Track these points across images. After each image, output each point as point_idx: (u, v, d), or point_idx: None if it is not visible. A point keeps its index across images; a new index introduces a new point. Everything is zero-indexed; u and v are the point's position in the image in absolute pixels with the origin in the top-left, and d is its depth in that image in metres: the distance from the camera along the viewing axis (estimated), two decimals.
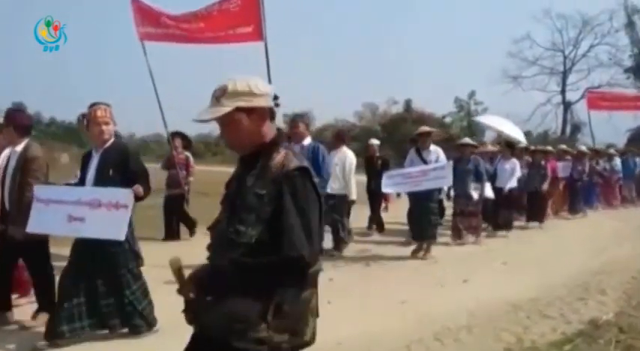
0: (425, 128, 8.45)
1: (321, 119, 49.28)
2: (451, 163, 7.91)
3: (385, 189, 8.37)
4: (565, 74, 43.08)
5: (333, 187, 7.52)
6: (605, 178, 14.31)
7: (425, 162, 7.81)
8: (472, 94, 44.30)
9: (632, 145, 26.10)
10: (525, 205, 10.95)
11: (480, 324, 4.75)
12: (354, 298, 5.55)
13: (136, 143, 56.80)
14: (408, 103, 43.79)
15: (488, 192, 9.12)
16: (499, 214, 9.91)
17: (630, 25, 40.36)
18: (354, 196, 7.93)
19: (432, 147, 7.97)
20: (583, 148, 14.06)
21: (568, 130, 43.10)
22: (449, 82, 69.41)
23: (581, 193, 13.21)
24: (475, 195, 8.67)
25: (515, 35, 43.21)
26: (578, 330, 4.62)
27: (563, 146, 14.75)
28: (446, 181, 7.90)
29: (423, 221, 7.71)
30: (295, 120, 6.82)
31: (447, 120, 44.09)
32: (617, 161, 14.81)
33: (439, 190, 8.67)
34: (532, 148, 12.21)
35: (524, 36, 42.69)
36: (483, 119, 12.83)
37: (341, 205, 7.83)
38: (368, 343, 4.21)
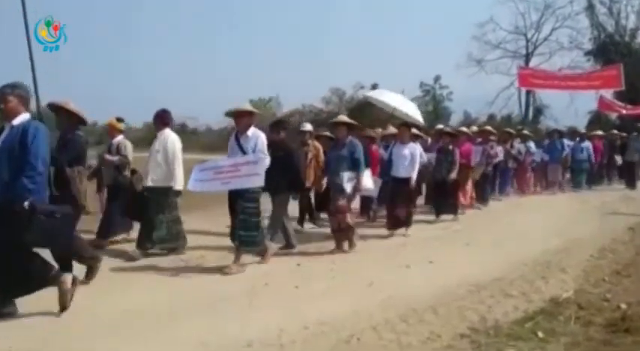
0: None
1: (288, 105, 49.22)
2: (263, 156, 6.03)
3: (192, 187, 6.22)
4: (527, 58, 43.56)
5: (153, 177, 6.58)
6: (519, 161, 13.39)
7: (243, 151, 6.15)
8: (437, 79, 44.62)
9: (592, 127, 26.70)
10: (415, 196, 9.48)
11: (444, 304, 4.82)
12: (321, 282, 5.56)
13: (99, 132, 55.69)
14: (374, 88, 43.74)
15: (368, 183, 7.53)
16: (395, 210, 8.24)
17: (590, 8, 41.06)
18: (178, 186, 6.59)
19: (252, 131, 6.15)
20: (488, 128, 13.00)
21: (531, 113, 43.94)
22: (415, 67, 69.74)
23: (493, 179, 12.34)
24: (348, 187, 6.99)
25: (479, 19, 43.37)
26: (540, 308, 4.73)
27: (474, 128, 13.85)
28: (257, 180, 5.95)
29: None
30: (4, 93, 4.41)
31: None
32: (532, 144, 14.06)
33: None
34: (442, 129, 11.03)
35: (488, 19, 43.16)
36: (374, 94, 10.36)
37: (165, 198, 6.61)
38: (335, 325, 4.23)
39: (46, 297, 4.38)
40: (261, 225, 6.24)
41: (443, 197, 9.66)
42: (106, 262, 5.81)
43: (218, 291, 5.20)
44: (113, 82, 68.86)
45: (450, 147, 9.69)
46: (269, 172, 6.53)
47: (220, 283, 5.49)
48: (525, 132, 14.39)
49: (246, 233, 5.98)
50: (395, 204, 8.19)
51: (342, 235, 7.05)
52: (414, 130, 9.77)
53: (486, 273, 5.83)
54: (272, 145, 6.75)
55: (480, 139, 11.93)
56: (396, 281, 5.59)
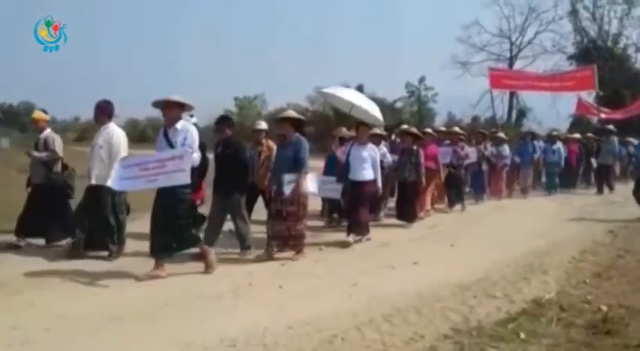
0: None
1: (273, 103, 49.17)
2: (190, 150, 5.50)
3: (115, 186, 5.66)
4: (511, 60, 44.11)
5: (97, 175, 6.19)
6: (492, 164, 12.88)
7: (171, 146, 5.65)
8: (422, 80, 44.89)
9: (573, 130, 26.95)
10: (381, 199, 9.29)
11: (428, 304, 4.85)
12: (305, 282, 5.56)
13: (80, 127, 55.17)
14: (360, 88, 43.87)
15: (311, 186, 6.96)
16: (354, 215, 7.65)
17: (574, 13, 41.70)
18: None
19: (181, 124, 5.72)
20: (456, 129, 12.53)
21: (514, 115, 44.39)
22: (401, 67, 70.16)
23: (463, 182, 11.80)
24: (287, 190, 6.42)
25: (464, 21, 43.77)
26: (522, 309, 4.77)
27: (442, 128, 13.61)
28: (182, 177, 5.40)
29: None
30: None
31: (398, 105, 44.57)
32: (505, 146, 13.42)
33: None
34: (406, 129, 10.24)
35: (473, 22, 43.58)
36: (329, 91, 9.42)
37: (109, 198, 6.26)
38: (318, 325, 4.23)
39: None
40: (189, 229, 5.80)
41: (404, 200, 9.21)
42: (76, 266, 5.79)
43: (201, 290, 5.17)
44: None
45: (414, 148, 9.21)
46: (217, 172, 6.55)
47: (204, 283, 5.45)
48: (500, 134, 13.85)
49: (166, 239, 5.53)
50: (354, 209, 7.62)
51: (291, 242, 6.53)
52: (378, 130, 9.44)
53: (470, 274, 5.87)
54: (220, 143, 6.72)
55: (448, 141, 11.65)
56: (380, 281, 5.60)
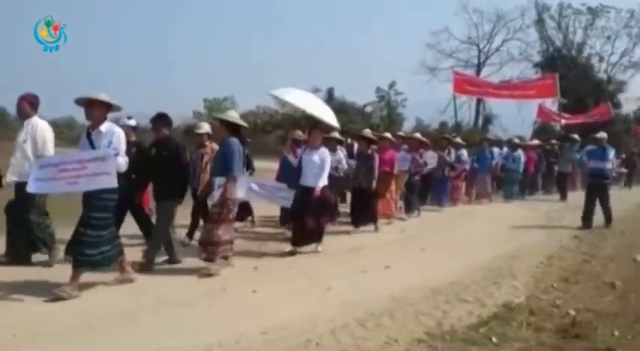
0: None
1: (243, 106, 48.90)
2: (112, 152, 4.98)
3: (32, 188, 5.12)
4: (479, 67, 44.96)
5: (20, 172, 5.68)
6: (455, 170, 12.78)
7: (94, 148, 5.14)
8: (392, 85, 45.29)
9: (537, 137, 27.49)
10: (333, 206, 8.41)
11: (401, 309, 4.89)
12: (280, 287, 5.53)
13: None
14: (330, 92, 44.12)
15: (239, 192, 6.26)
16: (302, 223, 7.16)
17: (540, 22, 42.78)
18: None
19: (106, 126, 5.15)
20: (417, 135, 12.23)
21: (480, 121, 45.16)
22: (371, 72, 70.69)
23: (424, 189, 11.76)
24: (215, 195, 6.06)
25: (434, 28, 44.47)
26: (493, 313, 4.85)
27: (401, 133, 13.16)
28: (107, 180, 4.87)
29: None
30: None
31: (368, 109, 44.85)
32: (464, 151, 13.30)
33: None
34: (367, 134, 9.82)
35: (442, 29, 44.28)
36: (279, 93, 8.38)
37: (28, 200, 5.68)
38: (293, 330, 4.22)
39: None
40: (111, 240, 5.20)
41: (360, 206, 8.96)
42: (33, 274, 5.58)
43: (174, 296, 5.09)
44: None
45: (370, 152, 8.98)
46: (153, 176, 6.25)
47: (176, 288, 5.37)
48: (458, 140, 13.73)
49: (86, 250, 4.98)
50: (303, 216, 7.18)
51: (209, 247, 5.95)
52: (336, 135, 9.23)
53: (441, 278, 5.94)
54: (155, 144, 6.34)
55: (406, 146, 11.23)
56: (353, 286, 5.62)
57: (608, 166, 10.01)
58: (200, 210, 7.39)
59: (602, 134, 10.27)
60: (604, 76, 42.77)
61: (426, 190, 12.05)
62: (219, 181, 6.05)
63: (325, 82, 52.50)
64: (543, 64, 41.18)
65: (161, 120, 6.37)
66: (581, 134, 19.31)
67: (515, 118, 39.22)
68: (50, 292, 4.84)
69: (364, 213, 8.93)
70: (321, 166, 7.22)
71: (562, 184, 15.55)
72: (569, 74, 38.78)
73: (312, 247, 7.26)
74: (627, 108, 42.42)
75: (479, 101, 44.36)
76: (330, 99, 43.48)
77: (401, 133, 12.81)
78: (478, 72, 44.66)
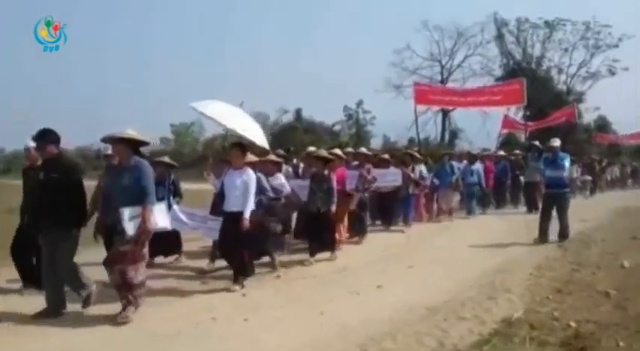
0: None
1: (210, 129, 48.48)
2: None
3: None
4: (442, 83, 45.64)
5: None
6: (420, 186, 12.11)
7: None
8: (360, 103, 45.70)
9: (503, 148, 27.83)
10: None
11: (400, 330, 4.74)
12: (271, 313, 5.31)
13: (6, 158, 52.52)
14: (298, 112, 44.27)
15: (160, 219, 5.46)
16: (226, 255, 6.51)
17: (499, 37, 43.94)
18: None
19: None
20: (363, 150, 11.29)
21: (447, 136, 45.84)
22: (339, 91, 71.35)
23: (381, 207, 11.17)
24: (130, 228, 5.05)
25: (397, 46, 45.20)
26: (494, 329, 4.75)
27: (349, 149, 12.20)
28: None
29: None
30: None
31: (336, 128, 45.11)
32: (423, 168, 12.51)
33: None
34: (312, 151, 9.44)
35: (405, 47, 44.98)
36: (198, 106, 6.79)
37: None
38: None
39: None
40: None
41: (318, 233, 7.93)
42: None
43: (161, 328, 4.83)
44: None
45: (326, 173, 8.08)
46: (44, 202, 5.22)
47: (163, 320, 5.10)
48: (416, 155, 12.96)
49: None
50: (227, 247, 6.40)
51: (127, 293, 5.13)
52: (272, 156, 8.31)
53: (435, 295, 5.82)
54: (44, 166, 5.41)
55: (356, 163, 10.37)
56: (347, 308, 5.44)
57: (564, 174, 9.45)
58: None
59: (556, 142, 9.63)
60: (564, 87, 44.11)
61: (389, 208, 11.37)
62: (131, 211, 5.09)
63: (293, 102, 52.31)
64: (505, 78, 41.94)
65: (46, 137, 5.35)
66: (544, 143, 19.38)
67: (481, 131, 39.88)
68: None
69: (321, 240, 7.96)
70: (244, 189, 6.31)
71: (531, 194, 14.79)
72: (530, 87, 39.77)
73: (238, 280, 6.33)
74: (587, 117, 43.81)
75: (444, 116, 45.11)
76: (298, 119, 43.71)
77: (349, 149, 11.62)
78: None
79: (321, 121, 44.16)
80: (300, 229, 8.75)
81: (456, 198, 14.37)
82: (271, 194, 7.32)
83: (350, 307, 5.49)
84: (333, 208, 7.90)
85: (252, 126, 7.23)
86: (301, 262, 7.68)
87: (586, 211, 13.93)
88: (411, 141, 42.31)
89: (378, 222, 11.55)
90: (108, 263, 5.15)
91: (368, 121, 45.54)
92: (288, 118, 44.87)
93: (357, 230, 9.82)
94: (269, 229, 7.31)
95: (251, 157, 7.04)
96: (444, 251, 8.81)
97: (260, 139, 7.10)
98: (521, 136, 36.53)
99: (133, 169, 5.20)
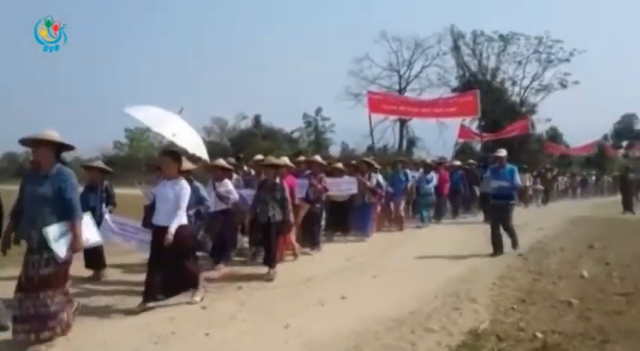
0: None
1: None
2: None
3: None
4: (400, 93, 46.25)
5: None
6: (378, 195, 11.65)
7: None
8: (319, 111, 45.81)
9: (459, 157, 28.22)
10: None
11: (368, 343, 4.64)
12: (234, 327, 5.12)
13: None
14: (257, 119, 44.02)
15: (90, 235, 4.90)
16: (155, 274, 5.72)
17: (456, 49, 44.96)
18: None
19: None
20: (317, 158, 10.61)
21: (405, 144, 46.41)
22: (299, 98, 71.38)
23: (319, 220, 9.89)
24: (60, 249, 4.44)
25: (356, 55, 45.60)
26: (461, 341, 4.71)
27: (302, 157, 11.43)
28: None
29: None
30: None
31: (296, 135, 45.06)
32: (379, 176, 12.02)
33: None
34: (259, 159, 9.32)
35: (364, 56, 45.39)
36: (132, 111, 5.90)
37: None
38: None
39: None
40: None
41: (268, 244, 7.50)
42: None
43: (117, 344, 4.58)
44: None
45: (277, 181, 7.61)
46: None
47: (118, 335, 4.84)
48: (373, 163, 12.43)
49: None
50: (157, 265, 5.74)
51: (49, 323, 4.44)
52: (222, 162, 8.09)
53: (401, 306, 5.75)
54: None
55: (308, 171, 9.97)
56: (312, 321, 5.29)
57: (510, 184, 9.02)
58: None
59: (502, 152, 9.38)
60: (517, 99, 45.38)
61: (344, 217, 11.06)
62: (57, 229, 4.45)
63: (252, 108, 51.81)
64: (461, 89, 42.87)
65: None
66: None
67: (438, 140, 40.55)
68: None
69: (268, 251, 7.52)
70: (175, 201, 5.76)
71: (487, 204, 13.60)
72: (485, 98, 40.75)
73: (185, 296, 5.93)
74: (540, 128, 45.21)
75: (402, 125, 45.67)
76: (257, 126, 43.43)
77: (301, 158, 11.04)
78: None
79: (280, 128, 44.05)
80: (255, 239, 8.54)
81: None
82: (211, 205, 6.94)
83: (315, 320, 5.34)
84: (291, 217, 7.62)
85: (186, 132, 6.43)
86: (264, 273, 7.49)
87: (542, 219, 14.24)
88: (369, 149, 42.68)
89: (340, 232, 11.32)
90: (27, 288, 4.42)
91: (327, 129, 45.71)
92: (247, 124, 44.61)
93: (309, 243, 9.47)
94: (201, 243, 6.89)
95: (187, 165, 6.54)
96: (407, 260, 8.76)
97: (195, 146, 6.30)
98: (477, 146, 37.37)
99: (54, 178, 4.52)
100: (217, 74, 70.92)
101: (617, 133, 59.54)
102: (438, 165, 15.43)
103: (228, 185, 7.87)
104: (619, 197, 20.29)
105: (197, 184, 6.67)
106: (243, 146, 39.72)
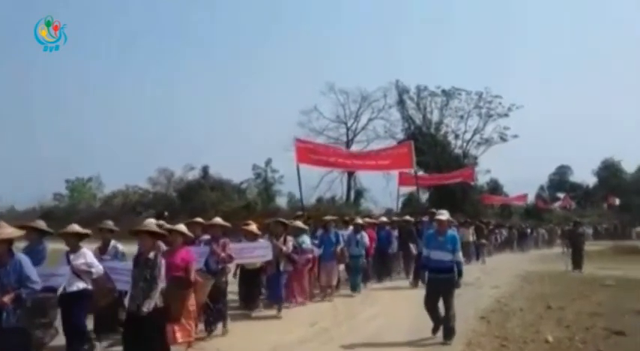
0: None
1: (110, 185, 46.47)
2: None
3: None
4: (348, 144, 47.03)
5: None
6: (294, 262, 10.04)
7: None
8: (269, 162, 45.81)
9: (405, 210, 28.24)
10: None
11: None
12: None
13: None
14: (205, 170, 43.50)
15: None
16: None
17: (401, 102, 46.58)
18: None
19: None
20: (218, 220, 8.52)
21: (352, 196, 46.85)
22: (247, 150, 71.30)
23: (224, 295, 7.99)
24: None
25: (304, 107, 46.29)
26: None
27: (199, 219, 8.83)
28: None
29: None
30: None
31: (244, 187, 44.76)
32: (306, 238, 10.63)
33: None
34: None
35: (312, 108, 46.11)
36: None
37: None
38: None
39: None
40: None
41: (143, 342, 5.66)
42: None
43: None
44: None
45: (152, 255, 5.81)
46: None
47: None
48: (297, 223, 10.97)
49: None
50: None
51: None
52: (76, 228, 6.79)
53: None
54: None
55: (206, 236, 8.23)
56: None
57: (451, 257, 7.46)
58: None
59: (444, 215, 7.71)
60: (460, 151, 47.03)
61: (251, 289, 9.53)
62: None
63: (200, 159, 51.22)
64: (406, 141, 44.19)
65: None
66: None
67: (385, 191, 41.06)
68: None
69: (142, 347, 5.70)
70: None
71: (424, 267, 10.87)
72: (430, 150, 42.11)
73: None
74: (481, 180, 46.85)
75: (349, 175, 46.17)
76: (205, 177, 42.88)
77: (198, 219, 8.79)
78: (348, 148, 46.75)
79: (228, 179, 43.64)
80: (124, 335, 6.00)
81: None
82: (37, 287, 5.19)
83: None
84: (149, 304, 5.56)
85: None
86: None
87: (494, 277, 14.48)
88: (319, 200, 42.85)
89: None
90: None
91: (276, 180, 45.61)
92: (195, 175, 44.00)
93: (213, 323, 7.78)
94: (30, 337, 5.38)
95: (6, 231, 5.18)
96: (370, 327, 8.49)
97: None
98: (424, 196, 38.08)
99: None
100: (164, 124, 70.09)
101: (552, 185, 62.23)
102: (365, 224, 13.30)
103: (85, 256, 6.61)
104: (555, 250, 19.75)
105: (19, 255, 5.25)
106: (190, 198, 39.02)
